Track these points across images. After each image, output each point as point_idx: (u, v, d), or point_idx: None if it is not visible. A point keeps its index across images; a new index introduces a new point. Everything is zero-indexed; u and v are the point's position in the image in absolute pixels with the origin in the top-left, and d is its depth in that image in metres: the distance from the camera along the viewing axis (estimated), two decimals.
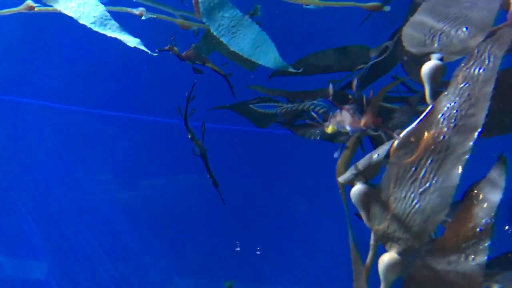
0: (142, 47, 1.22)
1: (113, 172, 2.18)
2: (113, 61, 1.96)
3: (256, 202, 2.02)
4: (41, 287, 2.14)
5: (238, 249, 1.95)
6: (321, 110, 1.82)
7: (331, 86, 1.08)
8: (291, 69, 1.37)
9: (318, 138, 1.75)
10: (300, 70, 1.40)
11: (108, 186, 2.17)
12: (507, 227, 1.68)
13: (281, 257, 1.95)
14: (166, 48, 1.40)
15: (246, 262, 1.96)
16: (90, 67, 1.99)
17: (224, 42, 1.27)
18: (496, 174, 1.11)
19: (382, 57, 1.57)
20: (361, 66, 1.64)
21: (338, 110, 1.10)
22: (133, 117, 2.10)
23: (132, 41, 1.22)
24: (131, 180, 2.18)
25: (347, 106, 1.03)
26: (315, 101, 1.81)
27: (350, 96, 1.05)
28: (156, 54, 1.26)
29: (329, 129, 1.11)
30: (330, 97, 1.05)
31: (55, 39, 1.95)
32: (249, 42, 1.27)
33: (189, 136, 1.56)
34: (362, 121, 1.00)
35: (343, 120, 1.04)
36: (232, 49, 1.28)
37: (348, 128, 1.03)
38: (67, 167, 2.15)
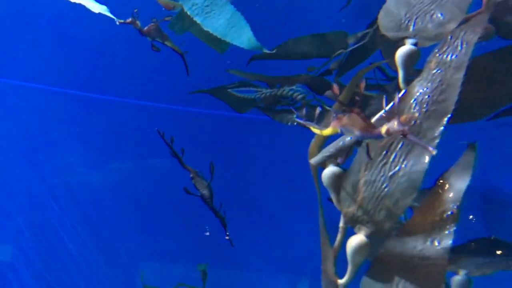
0: (108, 14, 1.20)
1: (82, 154, 2.13)
2: (84, 41, 1.93)
3: (231, 187, 2.02)
4: (6, 269, 2.11)
5: (208, 233, 1.94)
6: (300, 96, 1.83)
7: (335, 85, 0.98)
8: (265, 50, 1.36)
9: (295, 124, 1.75)
10: (274, 51, 1.39)
11: (77, 168, 2.13)
12: (471, 217, 1.70)
13: (255, 243, 1.95)
14: (128, 20, 1.35)
15: (217, 247, 1.95)
16: (61, 47, 1.95)
17: (198, 22, 1.26)
18: (465, 161, 1.12)
19: (361, 43, 1.58)
20: (339, 51, 1.64)
21: (341, 113, 0.98)
22: (102, 98, 2.06)
23: (97, 8, 1.19)
24: (99, 163, 2.13)
25: (357, 110, 0.92)
26: (294, 87, 1.81)
27: (357, 98, 0.94)
28: (118, 23, 1.24)
29: (327, 131, 0.99)
30: (337, 97, 0.97)
31: (28, 19, 1.92)
32: (224, 22, 1.26)
33: (191, 176, 1.45)
34: (384, 128, 0.88)
35: (352, 124, 0.93)
36: (205, 29, 1.27)
37: (357, 133, 0.93)
38: (35, 148, 2.11)
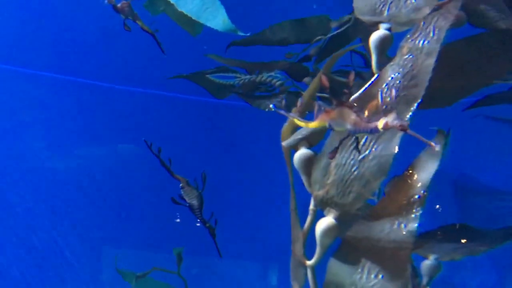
0: None
1: (48, 139, 2.05)
2: (54, 20, 1.88)
3: (207, 173, 2.01)
4: None
5: (178, 220, 1.93)
6: (278, 83, 1.83)
7: (323, 77, 0.94)
8: (240, 33, 1.36)
9: (273, 110, 1.75)
10: (250, 35, 1.39)
11: (42, 153, 2.05)
12: (438, 206, 1.73)
13: (230, 229, 1.96)
14: None
15: (189, 234, 1.95)
16: (29, 26, 1.89)
17: (172, 2, 1.25)
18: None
19: (341, 29, 1.58)
20: (318, 38, 1.64)
21: (329, 106, 0.94)
22: (72, 80, 1.98)
23: None
24: (66, 148, 2.05)
25: (348, 103, 0.89)
26: (273, 73, 1.81)
27: (345, 91, 0.90)
28: None
29: (313, 124, 0.95)
30: (327, 90, 0.90)
31: None
32: (198, 3, 1.26)
33: (181, 186, 1.40)
34: (381, 122, 0.83)
35: (343, 118, 0.89)
36: (179, 9, 1.25)
37: (349, 127, 0.88)
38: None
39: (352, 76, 0.93)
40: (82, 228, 2.01)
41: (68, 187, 2.03)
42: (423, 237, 1.45)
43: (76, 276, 2.00)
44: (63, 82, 2.01)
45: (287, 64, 1.73)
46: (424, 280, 1.43)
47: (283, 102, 1.77)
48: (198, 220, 1.39)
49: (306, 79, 1.79)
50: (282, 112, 1.03)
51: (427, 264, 1.42)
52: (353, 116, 0.88)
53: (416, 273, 1.30)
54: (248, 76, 1.82)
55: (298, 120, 0.99)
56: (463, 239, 1.43)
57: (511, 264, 1.65)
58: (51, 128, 2.04)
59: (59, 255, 2.03)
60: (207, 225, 1.37)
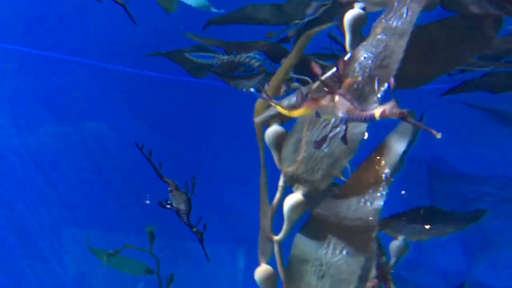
0: None
1: (13, 115, 1.95)
2: None
3: (183, 152, 2.00)
4: None
5: (148, 202, 1.91)
6: (257, 63, 1.83)
7: (314, 64, 0.90)
8: (213, 9, 1.35)
9: (251, 90, 1.76)
10: (222, 11, 1.38)
11: (8, 130, 1.95)
12: (403, 192, 1.76)
13: (203, 208, 1.95)
14: None
15: (158, 215, 1.94)
16: None
17: None
18: (403, 128, 1.16)
19: (321, 10, 1.58)
20: (297, 21, 1.65)
21: (317, 93, 0.92)
22: (40, 53, 1.90)
23: None
24: (33, 125, 1.97)
25: (340, 91, 0.86)
26: (251, 54, 1.81)
27: (335, 79, 0.87)
28: None
29: (298, 112, 0.92)
30: (319, 76, 0.88)
31: None
32: None
33: (169, 189, 1.36)
34: (379, 110, 0.80)
35: (335, 106, 0.86)
36: None
37: (342, 115, 0.86)
38: None
39: (342, 64, 0.91)
40: (47, 206, 1.95)
41: (34, 165, 1.97)
42: (393, 218, 1.48)
43: (40, 254, 1.96)
44: (34, 56, 1.93)
45: (266, 45, 1.73)
46: (392, 260, 1.45)
47: (266, 87, 1.77)
48: (185, 224, 1.36)
49: (284, 61, 1.80)
50: (264, 97, 1.00)
51: (395, 244, 1.45)
52: (347, 104, 0.85)
53: (383, 252, 1.33)
54: (226, 56, 1.82)
55: (281, 107, 0.97)
56: (431, 221, 1.46)
57: (478, 245, 1.69)
58: (17, 104, 1.96)
59: (22, 232, 1.98)
60: (194, 229, 1.35)
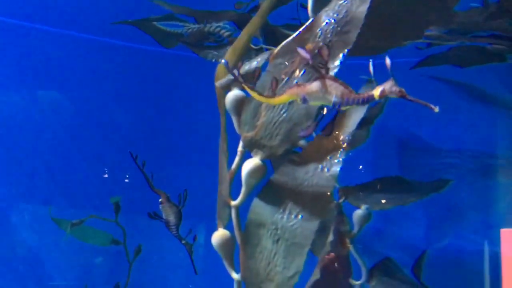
0: None
1: None
2: None
3: (152, 123, 1.97)
4: None
5: (106, 175, 1.88)
6: (226, 33, 1.81)
7: (302, 51, 0.86)
8: None
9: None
10: None
11: None
12: (360, 167, 1.77)
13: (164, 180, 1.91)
14: None
15: (117, 188, 1.91)
16: None
17: None
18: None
19: None
20: None
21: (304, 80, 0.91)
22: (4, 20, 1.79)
23: None
24: None
25: (331, 75, 0.84)
26: (221, 24, 1.79)
27: (321, 65, 0.83)
28: None
29: (280, 99, 0.88)
30: (310, 62, 0.84)
31: None
32: None
33: (160, 201, 1.32)
34: (378, 90, 0.78)
35: (326, 91, 0.83)
36: None
37: (335, 100, 0.82)
38: None
39: (325, 52, 0.86)
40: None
41: None
42: (356, 188, 1.50)
43: None
44: None
45: (236, 14, 1.71)
46: (355, 228, 1.47)
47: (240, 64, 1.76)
48: (175, 236, 1.31)
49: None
50: (241, 81, 0.93)
51: (358, 213, 1.46)
52: (340, 88, 0.82)
53: (343, 219, 1.34)
54: (196, 26, 1.80)
55: (257, 94, 0.92)
56: (395, 191, 1.48)
57: (444, 216, 1.71)
58: None
59: None
60: (183, 242, 1.30)
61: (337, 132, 1.12)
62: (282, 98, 0.89)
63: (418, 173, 1.72)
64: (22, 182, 1.85)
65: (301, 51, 0.86)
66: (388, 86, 0.79)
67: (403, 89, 0.78)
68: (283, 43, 1.13)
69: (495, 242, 1.27)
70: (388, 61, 0.79)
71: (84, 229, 1.82)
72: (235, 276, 1.11)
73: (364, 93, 0.81)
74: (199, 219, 1.65)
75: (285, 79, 1.11)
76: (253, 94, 0.92)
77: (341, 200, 1.40)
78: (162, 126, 1.99)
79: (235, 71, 0.92)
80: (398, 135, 1.85)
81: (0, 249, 1.80)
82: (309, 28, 1.11)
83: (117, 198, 1.85)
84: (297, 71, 1.11)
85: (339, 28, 1.08)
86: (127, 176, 1.92)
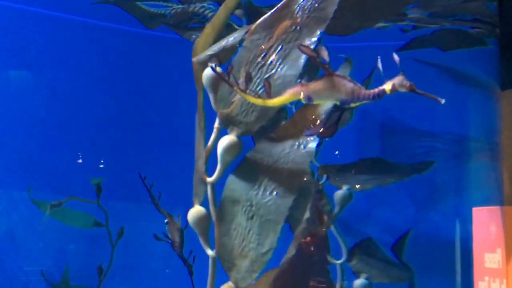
0: None
1: None
2: None
3: (134, 107, 1.95)
4: None
5: (80, 161, 1.86)
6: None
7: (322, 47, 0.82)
8: None
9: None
10: None
11: None
12: (336, 152, 1.77)
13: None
14: None
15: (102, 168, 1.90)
16: None
17: None
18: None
19: None
20: None
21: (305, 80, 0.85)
22: None
23: None
24: None
25: (338, 73, 0.82)
26: (205, 4, 1.77)
27: (326, 67, 0.80)
28: None
29: (279, 100, 0.86)
30: (317, 59, 0.81)
31: None
32: None
33: (166, 221, 1.35)
34: (389, 85, 0.78)
35: (335, 89, 0.81)
36: None
37: (343, 98, 0.81)
38: None
39: (325, 53, 0.82)
40: None
41: None
42: (342, 170, 1.50)
43: None
44: None
45: None
46: (336, 208, 1.47)
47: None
48: (179, 256, 1.34)
49: (237, 12, 1.77)
50: (232, 83, 0.90)
51: (339, 193, 1.47)
52: (350, 85, 0.81)
53: (321, 197, 1.34)
54: (180, 6, 1.78)
55: (252, 97, 0.90)
56: (376, 171, 1.48)
57: (426, 199, 1.72)
58: None
59: None
60: (187, 263, 1.33)
61: (312, 111, 1.12)
62: (283, 98, 0.87)
63: (400, 156, 1.72)
64: None
65: (304, 49, 0.85)
66: (399, 80, 0.79)
67: (412, 83, 0.79)
68: (261, 19, 1.12)
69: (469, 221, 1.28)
70: (396, 57, 0.79)
71: (64, 211, 1.81)
72: (210, 252, 1.10)
73: (375, 89, 0.80)
74: (177, 197, 1.65)
75: (261, 56, 1.11)
76: (248, 97, 0.90)
77: (320, 179, 1.40)
78: (143, 110, 1.97)
79: (223, 73, 0.90)
80: (381, 117, 1.85)
81: None
82: (287, 4, 1.10)
83: (99, 179, 1.83)
84: (274, 45, 1.11)
85: (316, 4, 1.08)
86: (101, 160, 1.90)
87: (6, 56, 1.81)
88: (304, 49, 0.85)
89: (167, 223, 1.33)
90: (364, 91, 0.81)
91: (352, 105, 0.83)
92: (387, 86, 0.79)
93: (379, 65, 0.80)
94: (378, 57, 0.82)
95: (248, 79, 0.90)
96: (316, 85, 0.83)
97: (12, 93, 1.84)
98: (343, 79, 0.82)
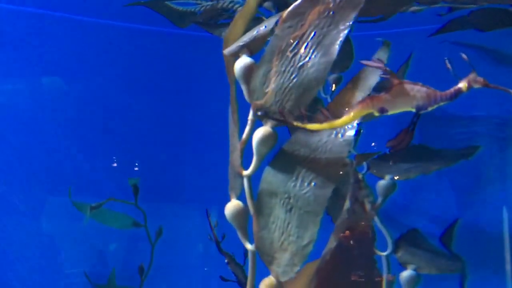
0: None
1: None
2: None
3: (166, 108, 1.95)
4: None
5: (115, 164, 1.87)
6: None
7: (372, 62, 0.84)
8: None
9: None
10: None
11: None
12: (373, 144, 1.72)
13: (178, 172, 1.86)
14: None
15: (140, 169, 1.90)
16: None
17: None
18: (379, 56, 1.11)
19: None
20: None
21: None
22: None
23: None
24: None
25: (408, 80, 0.81)
26: None
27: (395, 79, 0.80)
28: None
29: (352, 116, 0.86)
30: (385, 70, 0.81)
31: None
32: None
33: (226, 262, 1.42)
34: (464, 84, 0.78)
35: (407, 96, 0.81)
36: None
37: (418, 104, 0.81)
38: None
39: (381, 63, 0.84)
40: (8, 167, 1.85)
41: None
42: (383, 159, 1.46)
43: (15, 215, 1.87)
44: None
45: None
46: (379, 199, 1.43)
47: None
48: None
49: (267, 4, 1.74)
50: (291, 122, 0.94)
51: (382, 184, 1.43)
52: (424, 89, 0.81)
53: (361, 186, 1.30)
54: (209, 2, 1.77)
55: (319, 125, 0.91)
56: (418, 159, 1.43)
57: (471, 187, 1.66)
58: None
59: None
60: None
61: (349, 99, 1.08)
62: (353, 115, 0.87)
63: (441, 142, 1.66)
64: (36, 171, 1.85)
65: (369, 63, 0.85)
66: (472, 77, 0.80)
67: (485, 79, 0.80)
68: (292, 5, 1.09)
69: None
70: (464, 56, 0.80)
71: (104, 212, 1.83)
72: (249, 246, 1.08)
73: (450, 90, 0.81)
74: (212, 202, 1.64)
75: (294, 43, 1.08)
76: (314, 127, 0.92)
77: (360, 169, 1.36)
78: (177, 110, 1.97)
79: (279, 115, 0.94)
80: None
81: (17, 238, 1.81)
82: None
83: (135, 180, 1.84)
84: (307, 32, 1.08)
85: None
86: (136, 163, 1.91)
87: (39, 62, 1.84)
88: (369, 63, 0.85)
89: (227, 263, 1.36)
90: (440, 93, 0.81)
91: (429, 109, 0.82)
92: (463, 85, 0.80)
93: (448, 65, 0.80)
94: (446, 58, 0.82)
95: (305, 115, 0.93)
96: (389, 96, 0.83)
97: (44, 99, 1.86)
98: (415, 84, 0.81)
